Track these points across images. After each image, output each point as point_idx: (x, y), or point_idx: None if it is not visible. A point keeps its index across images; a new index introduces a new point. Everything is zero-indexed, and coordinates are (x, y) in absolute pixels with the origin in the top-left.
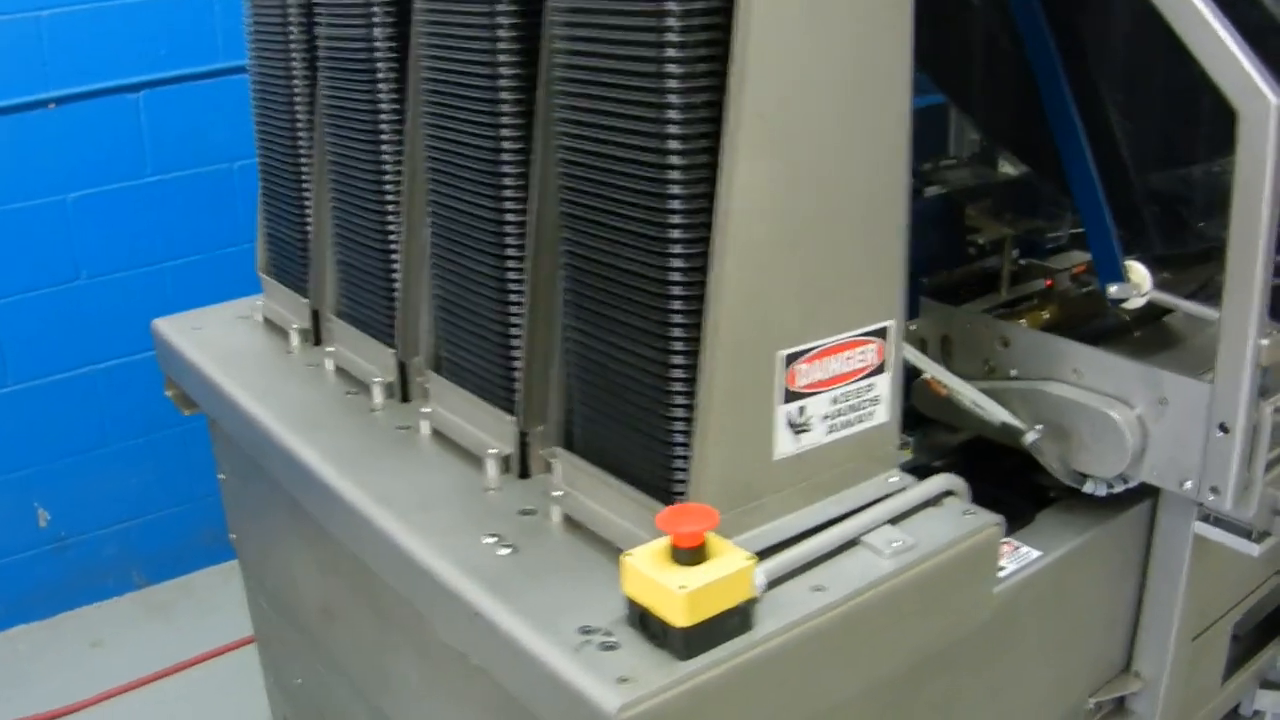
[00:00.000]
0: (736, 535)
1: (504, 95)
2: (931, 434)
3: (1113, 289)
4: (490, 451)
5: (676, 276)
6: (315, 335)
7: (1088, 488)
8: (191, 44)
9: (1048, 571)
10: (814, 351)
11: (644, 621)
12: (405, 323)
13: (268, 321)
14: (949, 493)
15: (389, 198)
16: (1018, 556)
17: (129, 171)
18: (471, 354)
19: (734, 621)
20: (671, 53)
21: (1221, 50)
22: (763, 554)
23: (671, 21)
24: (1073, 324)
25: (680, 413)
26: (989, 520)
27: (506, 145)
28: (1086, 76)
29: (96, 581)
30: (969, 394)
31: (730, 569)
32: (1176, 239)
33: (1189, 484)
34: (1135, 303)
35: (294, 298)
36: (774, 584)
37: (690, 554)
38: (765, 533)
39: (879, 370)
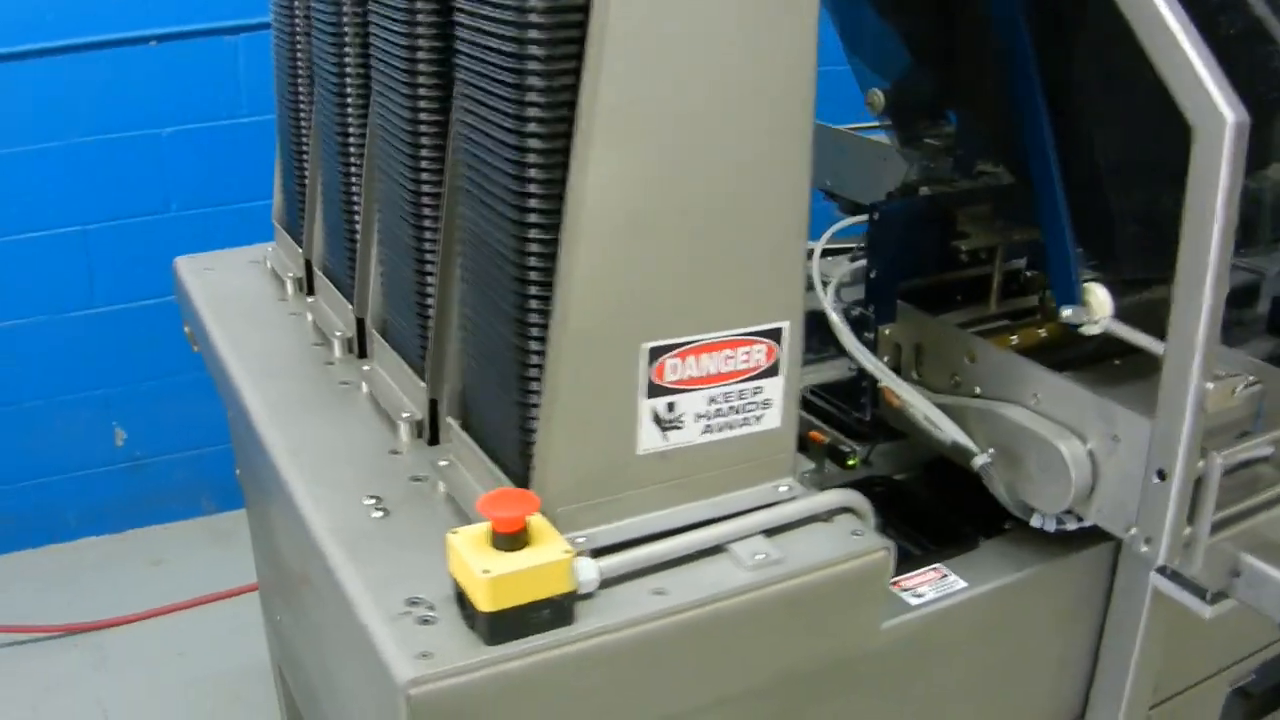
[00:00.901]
0: (589, 528)
1: (421, 61)
2: (906, 447)
3: (1066, 312)
4: (403, 415)
5: (534, 261)
6: (309, 285)
7: (1034, 521)
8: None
9: (973, 605)
10: (687, 347)
11: (462, 602)
12: (361, 280)
13: (274, 269)
14: (847, 510)
15: (352, 156)
16: (942, 585)
17: (223, 111)
18: (400, 317)
19: (547, 613)
20: (534, 34)
21: (1179, 58)
22: (612, 549)
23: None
24: (1068, 345)
25: (534, 398)
26: (876, 544)
27: (424, 107)
28: (1060, 61)
29: (165, 503)
30: (922, 408)
31: (544, 560)
32: (1151, 261)
33: (1134, 530)
34: (1090, 330)
35: (294, 247)
36: (613, 582)
37: (508, 539)
38: (622, 528)
39: (770, 373)
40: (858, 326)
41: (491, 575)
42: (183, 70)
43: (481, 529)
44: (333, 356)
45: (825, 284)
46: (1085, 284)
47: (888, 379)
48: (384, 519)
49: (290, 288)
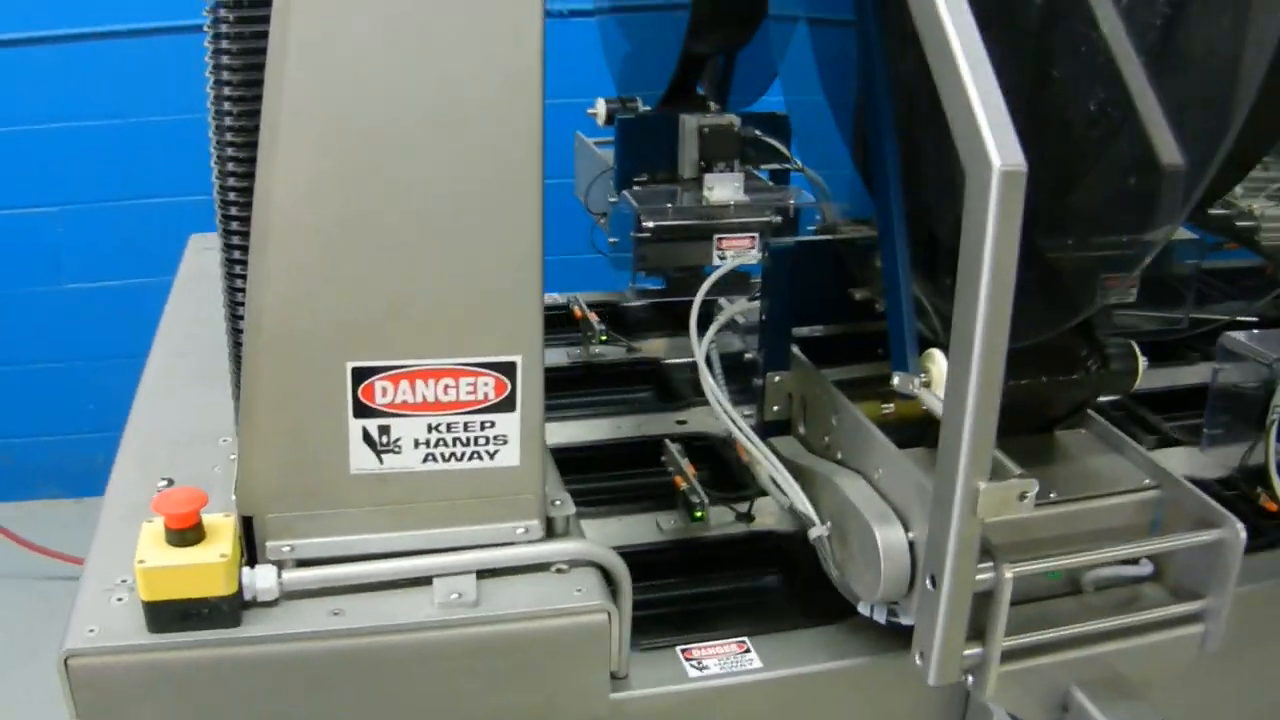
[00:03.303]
0: (301, 538)
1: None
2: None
3: (895, 379)
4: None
5: (239, 268)
6: None
7: (862, 608)
8: None
9: (758, 689)
10: (398, 371)
11: None
12: None
13: None
14: (592, 564)
15: None
16: (734, 661)
17: None
18: None
19: (206, 612)
20: (225, 44)
21: (959, 93)
22: (319, 563)
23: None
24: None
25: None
26: (592, 605)
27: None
28: (915, 106)
29: None
30: (766, 468)
31: (199, 560)
32: None
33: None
34: (929, 401)
35: None
36: (300, 595)
37: (177, 535)
38: (333, 544)
39: (502, 408)
40: (748, 371)
41: (145, 566)
42: None
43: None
44: None
45: (708, 323)
46: (928, 350)
47: (737, 432)
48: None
49: None
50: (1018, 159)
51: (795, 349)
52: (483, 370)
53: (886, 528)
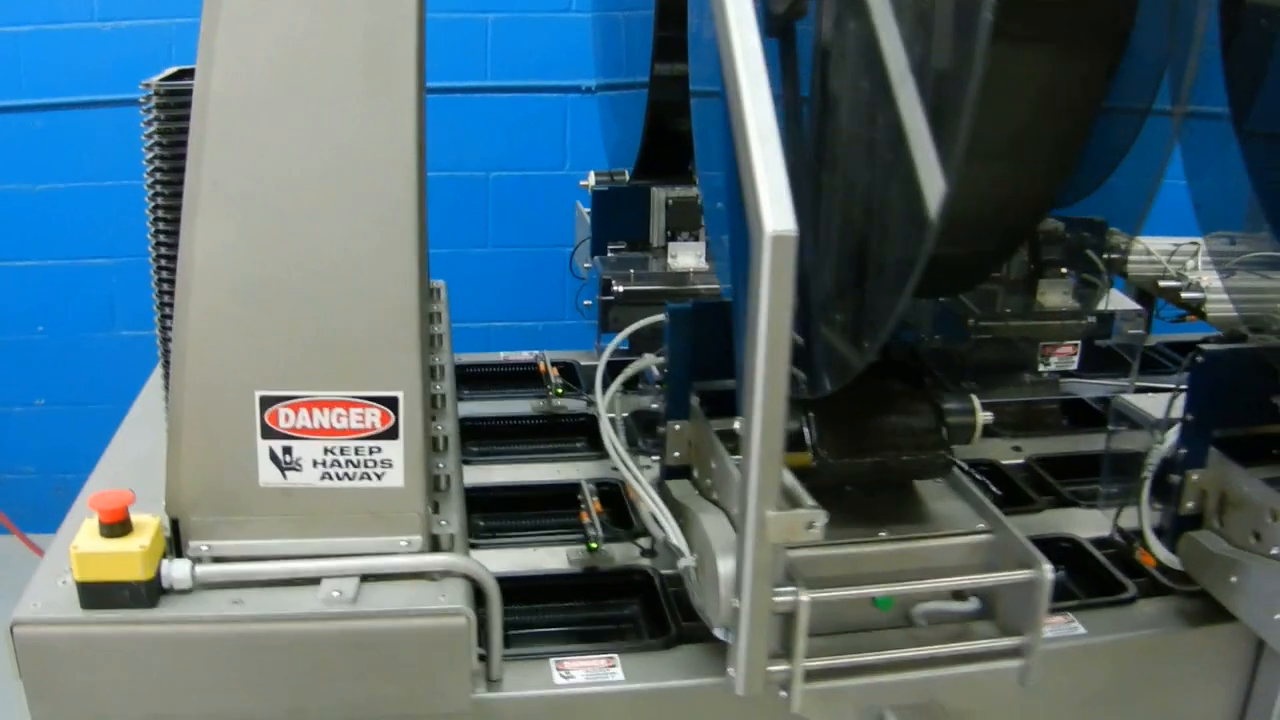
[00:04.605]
0: (218, 539)
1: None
2: None
3: (736, 423)
4: None
5: (168, 309)
6: None
7: (717, 632)
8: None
9: (621, 700)
10: (297, 401)
11: None
12: None
13: None
14: (465, 577)
15: None
16: (600, 674)
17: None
18: None
19: (127, 594)
20: (155, 126)
21: (747, 165)
22: (227, 560)
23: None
24: None
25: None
26: (450, 609)
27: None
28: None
29: None
30: (648, 505)
31: (121, 549)
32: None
33: None
34: None
35: None
36: (211, 586)
37: (107, 528)
38: (245, 546)
39: (387, 436)
40: (652, 423)
41: (78, 551)
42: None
43: None
44: None
45: (613, 377)
46: None
47: (625, 471)
48: None
49: None
50: (788, 224)
51: (694, 400)
52: (369, 403)
53: (728, 557)
